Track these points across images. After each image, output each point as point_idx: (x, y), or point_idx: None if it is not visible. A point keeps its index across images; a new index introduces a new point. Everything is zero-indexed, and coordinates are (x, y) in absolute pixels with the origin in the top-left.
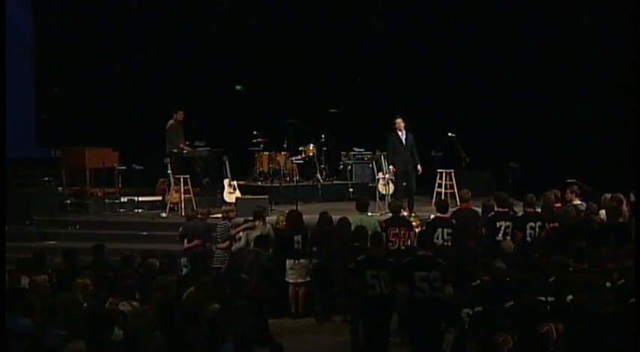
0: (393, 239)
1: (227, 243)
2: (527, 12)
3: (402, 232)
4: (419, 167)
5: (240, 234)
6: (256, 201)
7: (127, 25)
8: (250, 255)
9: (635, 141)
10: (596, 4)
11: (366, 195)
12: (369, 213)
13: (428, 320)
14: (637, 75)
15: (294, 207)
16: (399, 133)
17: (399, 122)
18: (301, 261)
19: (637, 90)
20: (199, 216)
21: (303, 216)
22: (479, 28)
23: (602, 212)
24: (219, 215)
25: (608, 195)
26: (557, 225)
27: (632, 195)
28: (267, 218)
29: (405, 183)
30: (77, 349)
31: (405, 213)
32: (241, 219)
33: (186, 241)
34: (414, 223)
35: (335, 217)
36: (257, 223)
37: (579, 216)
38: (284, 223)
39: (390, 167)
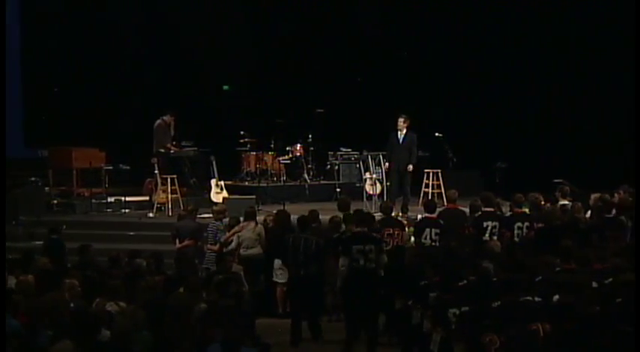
0: (387, 239)
1: (218, 246)
2: (514, 12)
3: (395, 232)
4: (409, 166)
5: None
6: (243, 201)
7: (113, 25)
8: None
9: (635, 143)
10: (579, 4)
11: (351, 196)
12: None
13: (362, 288)
14: (637, 76)
15: (281, 207)
16: (398, 133)
17: (400, 122)
18: None
19: (636, 90)
20: (185, 213)
21: (291, 217)
22: (466, 28)
23: (589, 212)
24: (209, 215)
25: (597, 195)
26: (542, 225)
27: (616, 195)
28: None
29: (399, 182)
30: (64, 349)
31: (393, 213)
32: (227, 219)
33: (177, 241)
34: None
35: (323, 217)
36: (246, 224)
37: (565, 215)
38: (272, 223)
39: (386, 164)
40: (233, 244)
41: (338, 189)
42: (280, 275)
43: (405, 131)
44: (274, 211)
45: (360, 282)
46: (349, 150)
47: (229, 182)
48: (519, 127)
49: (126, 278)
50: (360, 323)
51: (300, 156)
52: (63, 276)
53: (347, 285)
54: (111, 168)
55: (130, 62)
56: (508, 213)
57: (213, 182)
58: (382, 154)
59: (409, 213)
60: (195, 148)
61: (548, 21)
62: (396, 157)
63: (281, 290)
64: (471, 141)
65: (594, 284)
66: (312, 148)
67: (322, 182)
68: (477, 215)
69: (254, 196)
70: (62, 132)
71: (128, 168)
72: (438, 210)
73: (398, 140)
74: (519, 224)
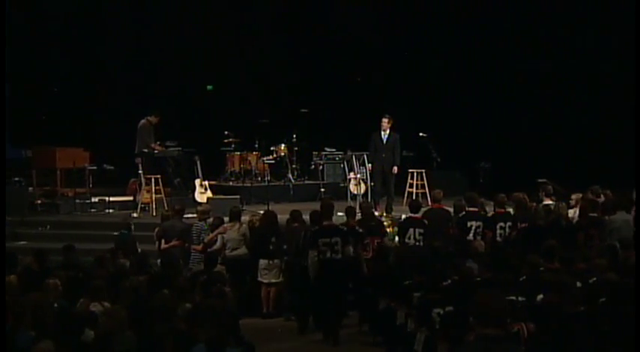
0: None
1: (202, 246)
2: (496, 13)
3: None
4: (394, 168)
5: (217, 236)
6: (227, 201)
7: (98, 25)
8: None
9: (635, 144)
10: (563, 6)
11: (335, 196)
12: (339, 213)
13: (329, 277)
14: (637, 75)
15: (266, 207)
16: (382, 133)
17: (384, 122)
18: (275, 261)
19: (637, 90)
20: (171, 213)
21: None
22: (449, 30)
23: (571, 211)
24: (194, 215)
25: (579, 195)
26: (525, 225)
27: (590, 194)
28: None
29: (383, 183)
30: (46, 349)
31: (377, 213)
32: (210, 219)
33: (163, 241)
34: (385, 223)
35: (306, 217)
36: (231, 225)
37: (549, 215)
38: (258, 223)
39: (369, 166)
40: (217, 244)
41: (322, 189)
42: (265, 276)
43: (388, 131)
44: (259, 211)
45: (326, 272)
46: (333, 150)
47: (213, 182)
48: (503, 127)
49: (110, 279)
50: (328, 310)
51: (285, 156)
52: (46, 276)
53: (316, 275)
54: (95, 168)
55: (114, 62)
56: (491, 214)
57: (197, 182)
58: (366, 154)
59: (393, 213)
60: (180, 148)
61: (531, 22)
62: (380, 157)
63: (266, 291)
64: (455, 141)
65: (578, 284)
66: (296, 148)
67: (306, 182)
68: (461, 215)
69: (238, 196)
70: (46, 132)
71: (112, 168)
72: (423, 209)
73: (382, 140)
74: (501, 224)
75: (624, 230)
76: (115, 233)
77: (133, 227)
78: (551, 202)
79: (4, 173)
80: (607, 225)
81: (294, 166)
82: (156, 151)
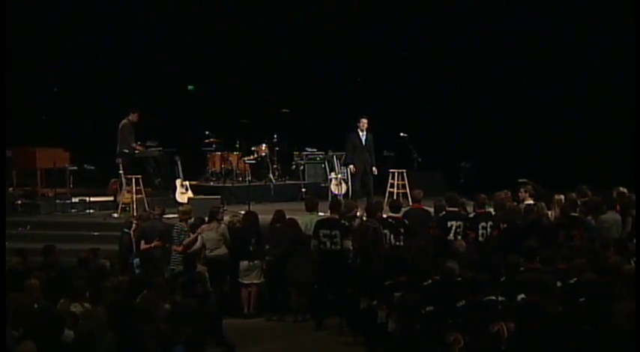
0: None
1: (182, 246)
2: (477, 15)
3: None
4: (374, 169)
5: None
6: (208, 201)
7: (78, 23)
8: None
9: (635, 144)
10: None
11: (318, 195)
12: (321, 213)
13: (328, 266)
14: (638, 77)
15: (247, 208)
16: (360, 133)
17: (364, 122)
18: (256, 262)
19: (637, 92)
20: (156, 215)
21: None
22: (428, 29)
23: (550, 212)
24: (175, 215)
25: (561, 196)
26: (506, 225)
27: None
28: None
29: (362, 183)
30: (27, 350)
31: (359, 213)
32: (192, 220)
33: (143, 242)
34: None
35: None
36: (209, 225)
37: (529, 215)
38: (240, 224)
39: (351, 166)
40: (197, 245)
41: (303, 189)
42: (246, 277)
43: (365, 132)
44: (240, 211)
45: (325, 262)
46: (314, 150)
47: (194, 182)
48: (483, 127)
49: (90, 279)
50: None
51: (266, 156)
52: (26, 277)
53: (318, 264)
54: (75, 168)
55: (94, 61)
56: (472, 214)
57: (178, 182)
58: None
59: None
60: (160, 148)
61: (510, 23)
62: (360, 157)
63: (246, 291)
64: (435, 141)
65: (559, 284)
66: (277, 148)
67: (287, 182)
68: (441, 215)
69: (219, 196)
70: (26, 131)
71: (93, 168)
72: (403, 210)
73: (361, 141)
74: (483, 224)
75: (614, 230)
76: (95, 233)
77: (134, 225)
78: (532, 202)
79: (4, 173)
80: (599, 224)
81: (275, 166)
82: (136, 151)
